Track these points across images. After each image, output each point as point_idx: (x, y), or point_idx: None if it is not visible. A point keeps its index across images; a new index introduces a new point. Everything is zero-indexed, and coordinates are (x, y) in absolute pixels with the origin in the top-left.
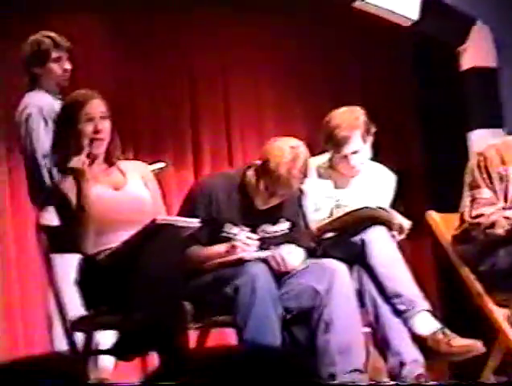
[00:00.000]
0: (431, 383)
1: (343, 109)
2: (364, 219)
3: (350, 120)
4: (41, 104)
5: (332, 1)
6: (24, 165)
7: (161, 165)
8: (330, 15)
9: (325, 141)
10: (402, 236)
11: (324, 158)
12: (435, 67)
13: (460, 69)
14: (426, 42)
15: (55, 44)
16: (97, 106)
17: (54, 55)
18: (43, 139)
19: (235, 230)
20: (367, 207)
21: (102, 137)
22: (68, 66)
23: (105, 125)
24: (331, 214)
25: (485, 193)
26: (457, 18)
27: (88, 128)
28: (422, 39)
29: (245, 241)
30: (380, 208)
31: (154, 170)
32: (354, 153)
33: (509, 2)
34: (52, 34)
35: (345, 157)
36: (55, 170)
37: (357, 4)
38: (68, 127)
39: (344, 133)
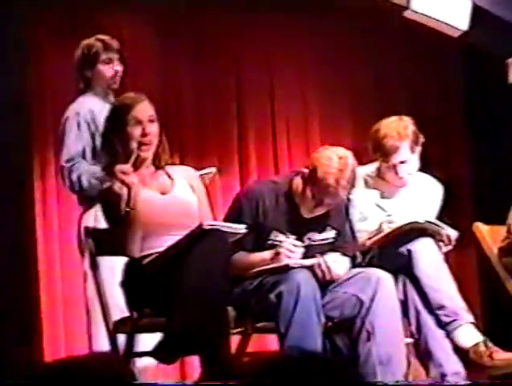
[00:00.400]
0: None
1: (392, 119)
2: (412, 231)
3: (399, 129)
4: (78, 108)
5: (382, 10)
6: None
7: (211, 170)
8: (380, 24)
9: (373, 150)
10: (450, 247)
11: (371, 167)
12: (484, 78)
13: (509, 81)
14: (475, 52)
15: (105, 46)
16: (145, 109)
17: (103, 56)
18: (71, 144)
19: (281, 237)
20: (415, 222)
21: (150, 141)
22: (118, 68)
23: (153, 129)
24: (380, 227)
25: None
26: (506, 30)
27: (137, 131)
28: (472, 50)
29: (290, 248)
30: (428, 222)
31: (204, 174)
32: (402, 162)
33: None
34: (104, 36)
35: (393, 166)
36: (74, 175)
37: (406, 14)
38: (116, 130)
39: (393, 143)
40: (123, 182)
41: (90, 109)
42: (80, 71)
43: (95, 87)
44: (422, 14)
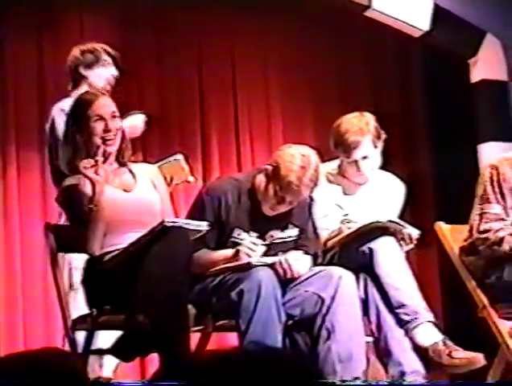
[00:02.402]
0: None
1: (353, 114)
2: (373, 230)
3: (361, 124)
4: (62, 105)
5: (344, 9)
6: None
7: (176, 157)
8: (342, 23)
9: (335, 145)
10: (411, 246)
11: (333, 164)
12: (446, 77)
13: (471, 81)
14: (437, 52)
15: (106, 51)
16: (106, 105)
17: (105, 58)
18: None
19: (243, 235)
20: (377, 221)
21: (113, 136)
22: (114, 72)
23: (116, 124)
24: (340, 228)
25: (494, 208)
26: (468, 31)
27: (99, 126)
28: (434, 49)
29: (249, 247)
30: (390, 221)
31: (167, 163)
32: (364, 158)
33: None
34: (101, 45)
35: (355, 162)
36: None
37: (368, 13)
38: (78, 125)
39: (355, 138)
40: (89, 178)
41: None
42: (74, 70)
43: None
44: (383, 13)
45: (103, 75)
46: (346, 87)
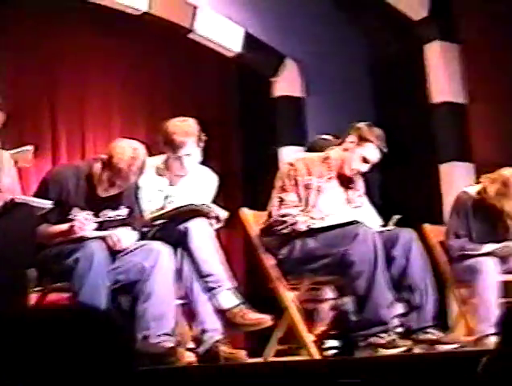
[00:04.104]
0: None
1: (180, 119)
2: (189, 212)
3: (186, 128)
4: None
5: (170, 32)
6: None
7: (27, 148)
8: (170, 43)
9: (164, 144)
10: (220, 225)
11: (160, 158)
12: (254, 91)
13: (272, 96)
14: (248, 70)
15: None
16: None
17: None
18: None
19: (81, 213)
20: (192, 204)
21: None
22: None
23: None
24: (162, 207)
25: (291, 196)
26: (271, 54)
27: None
28: (245, 68)
29: (81, 221)
30: (203, 204)
31: (20, 152)
32: (187, 155)
33: (312, 43)
34: None
35: (179, 158)
36: None
37: (191, 35)
38: None
39: (181, 139)
40: None
41: None
42: None
43: None
44: (203, 36)
45: None
46: (174, 95)
